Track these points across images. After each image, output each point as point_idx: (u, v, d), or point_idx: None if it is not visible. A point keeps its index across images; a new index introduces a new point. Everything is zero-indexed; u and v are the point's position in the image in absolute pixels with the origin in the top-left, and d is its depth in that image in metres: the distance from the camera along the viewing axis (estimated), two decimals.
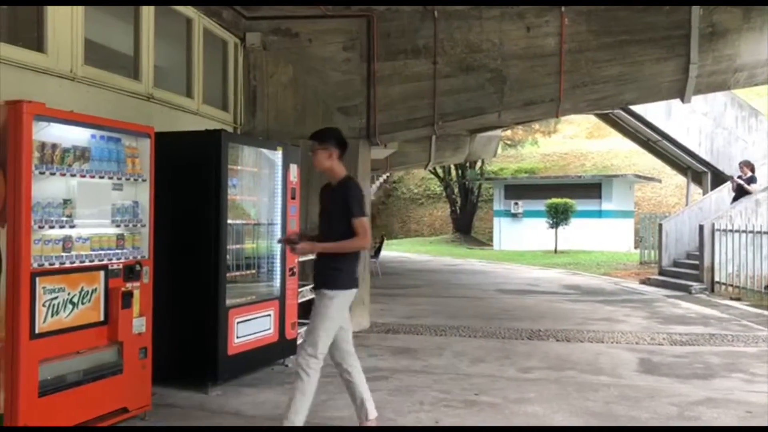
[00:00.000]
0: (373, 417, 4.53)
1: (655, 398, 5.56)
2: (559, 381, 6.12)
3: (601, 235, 23.53)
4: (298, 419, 4.21)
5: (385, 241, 18.52)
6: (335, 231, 4.39)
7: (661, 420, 5.02)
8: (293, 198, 6.54)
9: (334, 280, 4.36)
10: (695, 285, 12.80)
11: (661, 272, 14.80)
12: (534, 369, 6.61)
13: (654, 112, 16.96)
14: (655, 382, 6.14)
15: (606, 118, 19.69)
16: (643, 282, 14.56)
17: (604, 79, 8.18)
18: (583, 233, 23.20)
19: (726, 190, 15.09)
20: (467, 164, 27.33)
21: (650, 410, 5.23)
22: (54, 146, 4.12)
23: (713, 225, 12.89)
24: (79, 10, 5.51)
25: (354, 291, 4.46)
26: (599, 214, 24.15)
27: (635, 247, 22.39)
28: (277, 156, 6.39)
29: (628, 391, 5.80)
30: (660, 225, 15.38)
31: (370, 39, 8.22)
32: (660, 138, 18.09)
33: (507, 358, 7.03)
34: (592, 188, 24.60)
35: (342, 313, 4.41)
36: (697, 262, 13.33)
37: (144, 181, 4.79)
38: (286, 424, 4.19)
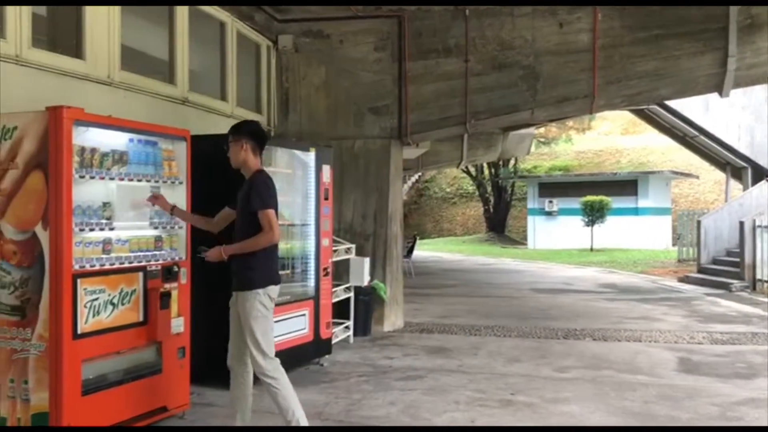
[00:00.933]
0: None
1: (695, 398, 5.46)
2: (596, 380, 6.05)
3: (638, 232, 23.17)
4: (299, 414, 4.14)
5: (418, 241, 18.51)
6: (241, 228, 4.22)
7: (702, 420, 4.93)
8: (326, 199, 6.58)
9: (248, 281, 4.13)
10: (736, 283, 12.52)
11: (700, 270, 14.52)
12: (570, 368, 6.55)
13: (691, 106, 16.64)
14: (695, 382, 6.03)
15: (641, 114, 19.40)
16: (681, 280, 14.30)
17: (638, 74, 8.05)
18: (620, 231, 22.86)
19: (766, 186, 14.74)
20: (500, 162, 27.15)
21: (691, 410, 5.14)
22: (93, 150, 4.21)
23: (754, 221, 12.60)
24: (116, 16, 5.62)
25: (273, 287, 4.23)
26: (635, 211, 23.78)
27: (673, 245, 22.00)
28: (310, 157, 6.44)
29: (667, 390, 5.70)
30: (698, 222, 15.08)
31: (401, 39, 8.23)
32: (697, 133, 17.75)
33: (543, 358, 6.98)
34: (627, 185, 24.23)
35: (270, 310, 4.21)
36: (737, 260, 13.05)
37: (180, 183, 4.87)
38: (294, 424, 4.14)
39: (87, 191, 4.21)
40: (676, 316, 9.76)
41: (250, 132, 4.32)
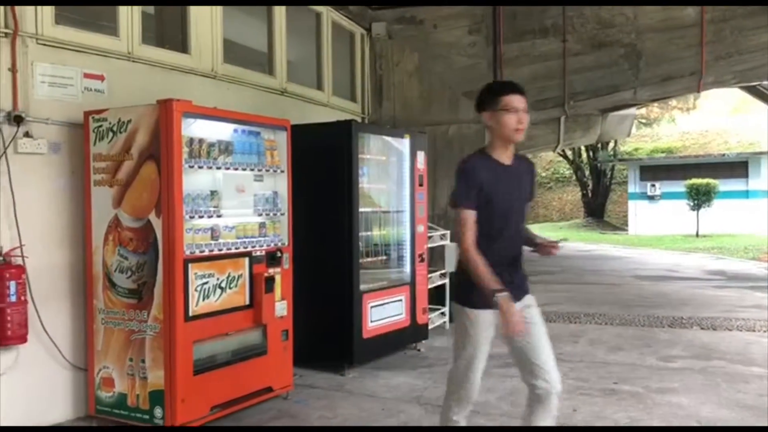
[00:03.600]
0: None
1: None
2: (705, 371, 5.78)
3: (749, 216, 21.86)
4: None
5: None
6: (524, 220, 3.51)
7: None
8: (421, 185, 6.59)
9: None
10: None
11: None
12: (677, 358, 6.29)
13: None
14: None
15: (753, 91, 18.18)
16: None
17: (751, 48, 7.57)
18: (728, 215, 21.68)
19: None
20: (599, 145, 26.26)
21: None
22: (201, 141, 4.39)
23: None
24: (218, 11, 5.84)
25: None
26: (746, 194, 22.47)
27: None
28: (404, 144, 6.46)
29: None
30: None
31: (495, 21, 8.10)
32: None
33: (647, 347, 6.73)
34: (737, 167, 22.91)
35: None
36: None
37: (282, 172, 5.01)
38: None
39: (196, 180, 4.40)
40: None
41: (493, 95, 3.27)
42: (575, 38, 7.87)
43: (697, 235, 21.38)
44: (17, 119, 4.22)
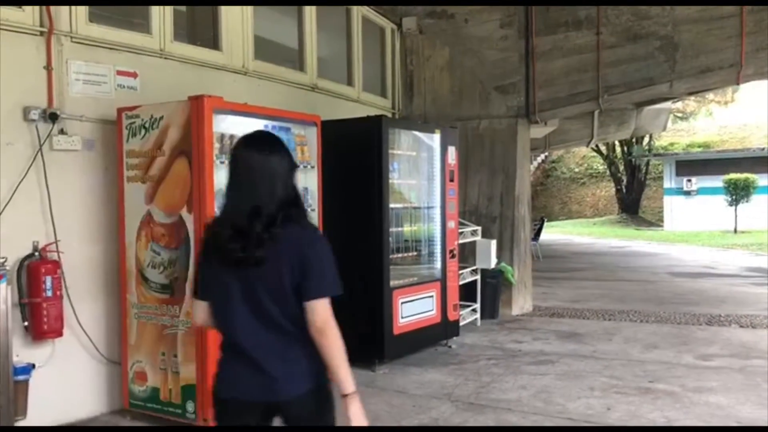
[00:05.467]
0: None
1: None
2: (745, 370, 5.63)
3: None
4: None
5: (545, 224, 18.04)
6: None
7: None
8: (451, 180, 6.54)
9: None
10: None
11: None
12: (715, 356, 6.14)
13: None
14: None
15: None
16: None
17: None
18: None
19: None
20: (633, 140, 25.85)
21: None
22: (232, 137, 4.39)
23: None
24: (249, 9, 5.85)
25: None
26: None
27: None
28: (435, 139, 6.41)
29: None
30: None
31: (528, 14, 7.99)
32: None
33: (684, 345, 6.59)
34: None
35: None
36: None
37: (312, 167, 5.00)
38: None
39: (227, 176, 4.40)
40: None
41: None
42: (609, 30, 7.72)
43: (735, 231, 20.91)
44: (52, 116, 4.28)
